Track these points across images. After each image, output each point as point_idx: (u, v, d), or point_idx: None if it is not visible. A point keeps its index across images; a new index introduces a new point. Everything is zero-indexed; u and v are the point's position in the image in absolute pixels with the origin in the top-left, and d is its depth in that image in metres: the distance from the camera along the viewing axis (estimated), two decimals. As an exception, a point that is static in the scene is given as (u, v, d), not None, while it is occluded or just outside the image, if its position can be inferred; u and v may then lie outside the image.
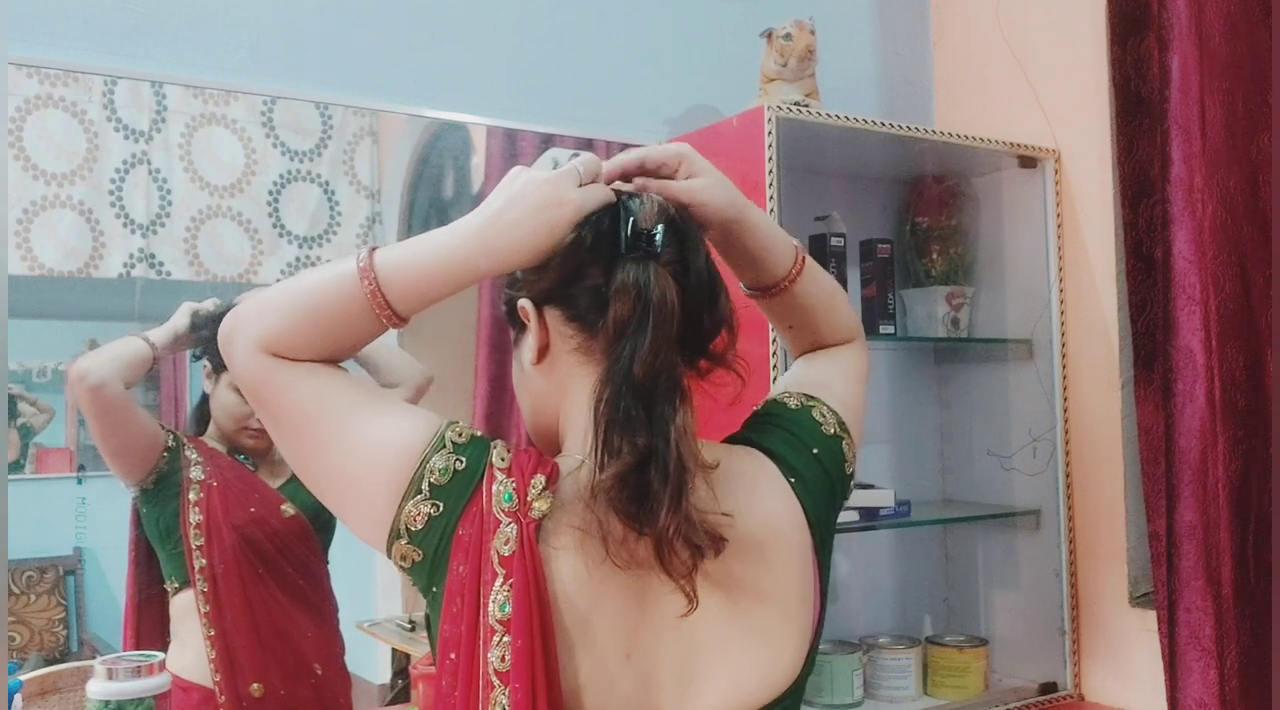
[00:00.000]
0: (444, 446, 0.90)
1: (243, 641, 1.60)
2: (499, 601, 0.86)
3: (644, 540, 0.87)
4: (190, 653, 1.58)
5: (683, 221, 0.95)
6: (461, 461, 0.90)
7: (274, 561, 1.65)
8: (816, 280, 1.07)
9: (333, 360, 0.93)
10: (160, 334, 1.59)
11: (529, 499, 0.89)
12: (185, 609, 1.59)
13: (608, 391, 0.88)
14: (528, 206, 0.90)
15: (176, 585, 1.60)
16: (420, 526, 0.89)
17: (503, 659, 0.86)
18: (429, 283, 0.91)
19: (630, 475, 0.86)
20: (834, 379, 1.09)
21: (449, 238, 0.91)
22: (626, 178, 0.97)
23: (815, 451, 1.00)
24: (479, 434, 0.93)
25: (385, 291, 0.90)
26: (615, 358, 0.88)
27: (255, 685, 1.59)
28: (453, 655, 0.88)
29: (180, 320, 1.61)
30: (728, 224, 0.99)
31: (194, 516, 1.59)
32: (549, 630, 0.87)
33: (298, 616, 1.67)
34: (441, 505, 0.89)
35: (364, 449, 0.91)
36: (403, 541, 0.89)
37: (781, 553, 0.96)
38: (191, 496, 1.60)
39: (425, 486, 0.89)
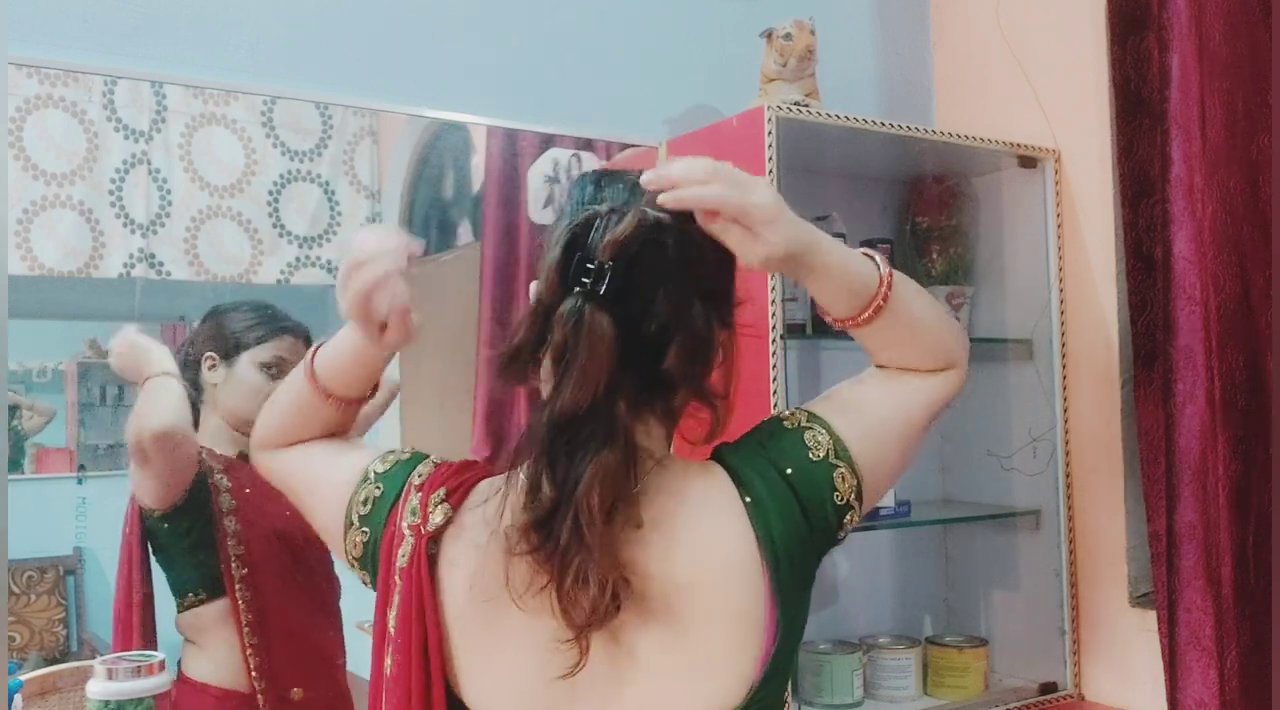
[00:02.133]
0: (367, 479, 0.99)
1: (284, 646, 1.59)
2: (394, 611, 0.93)
3: (547, 587, 0.86)
4: (221, 660, 1.57)
5: (658, 253, 0.90)
6: (379, 488, 0.98)
7: (308, 563, 1.64)
8: (897, 324, 0.99)
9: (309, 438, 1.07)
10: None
11: (428, 512, 0.94)
12: (214, 618, 1.57)
13: (536, 422, 0.88)
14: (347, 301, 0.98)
15: (203, 595, 1.58)
16: (360, 553, 0.98)
17: (392, 666, 0.92)
18: (350, 373, 1.02)
19: (537, 524, 0.86)
20: (878, 405, 1.01)
21: (341, 334, 1.02)
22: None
23: (789, 472, 0.95)
24: (408, 457, 1.00)
25: (327, 387, 1.02)
26: (551, 389, 0.88)
27: (295, 690, 1.58)
28: (373, 659, 0.96)
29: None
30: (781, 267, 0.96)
31: (231, 525, 1.58)
32: (434, 642, 0.90)
33: (320, 616, 1.67)
34: (368, 531, 0.97)
35: (325, 498, 1.02)
36: (356, 569, 1.00)
37: (716, 577, 0.92)
38: (224, 506, 1.58)
39: (355, 517, 0.98)
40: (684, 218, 0.94)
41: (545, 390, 0.93)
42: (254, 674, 1.56)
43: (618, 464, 0.87)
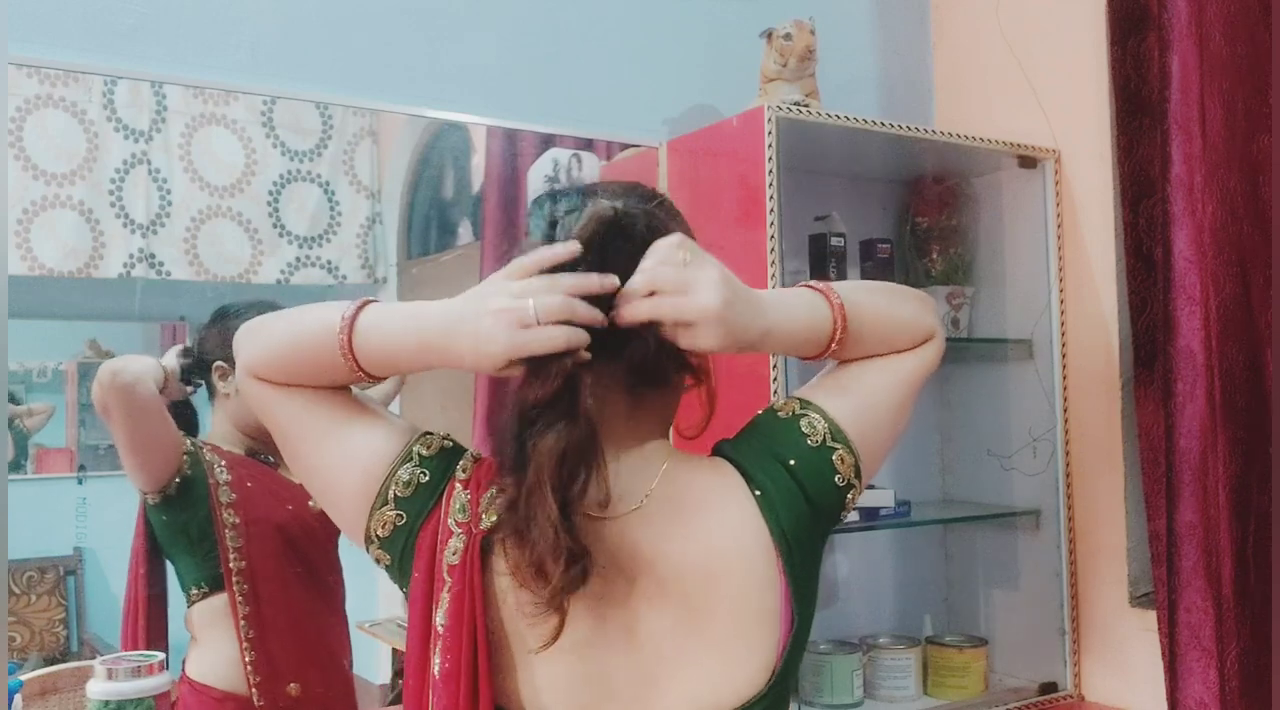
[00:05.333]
0: (410, 459, 0.96)
1: (282, 641, 1.59)
2: (443, 609, 0.91)
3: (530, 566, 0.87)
4: (220, 660, 1.57)
5: (621, 238, 0.92)
6: (425, 474, 0.95)
7: (309, 558, 1.65)
8: (858, 341, 1.01)
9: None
10: (169, 361, 1.60)
11: (480, 511, 0.92)
12: (213, 614, 1.57)
13: (509, 416, 0.89)
14: (471, 334, 0.88)
15: (204, 590, 1.58)
16: (387, 533, 0.95)
17: (441, 662, 0.90)
18: (391, 359, 0.93)
19: (510, 505, 0.87)
20: (863, 381, 1.04)
21: (419, 323, 0.91)
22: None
23: (792, 462, 0.98)
24: (450, 445, 0.98)
25: (356, 351, 0.92)
26: (522, 384, 0.89)
27: (292, 685, 1.58)
28: (412, 654, 0.94)
29: (169, 360, 1.61)
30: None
31: (230, 517, 1.58)
32: (482, 638, 0.89)
33: (326, 612, 1.68)
34: (405, 515, 0.95)
35: (341, 461, 0.97)
36: (374, 546, 0.96)
37: (732, 569, 0.95)
38: (223, 498, 1.59)
39: (391, 497, 0.95)
40: (646, 201, 0.97)
41: None
42: (249, 667, 1.56)
43: (578, 440, 0.87)
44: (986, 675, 2.09)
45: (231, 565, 1.57)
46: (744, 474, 0.98)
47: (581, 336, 0.87)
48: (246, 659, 1.56)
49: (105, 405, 1.51)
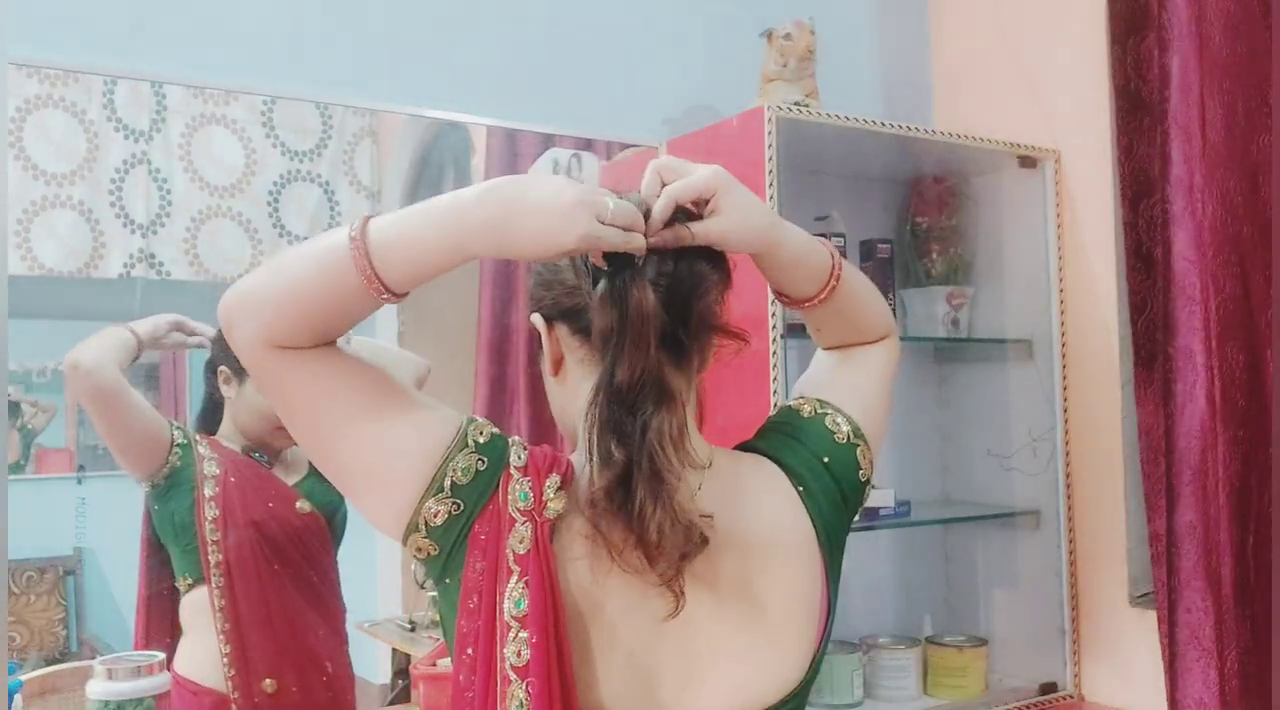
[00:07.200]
0: (467, 446, 0.92)
1: (257, 637, 1.59)
2: (514, 598, 0.88)
3: (639, 546, 0.88)
4: (202, 653, 1.57)
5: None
6: (484, 461, 0.92)
7: (290, 557, 1.65)
8: (847, 296, 1.05)
9: (334, 338, 0.91)
10: (143, 325, 1.58)
11: (544, 498, 0.91)
12: (198, 606, 1.58)
13: (597, 400, 0.89)
14: (538, 222, 0.86)
15: (190, 581, 1.59)
16: (439, 523, 0.91)
17: (519, 654, 0.87)
18: (419, 262, 0.87)
19: (618, 482, 0.87)
20: (857, 380, 1.08)
21: (450, 216, 0.87)
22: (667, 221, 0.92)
23: (825, 460, 1.01)
24: (497, 432, 0.95)
25: (379, 268, 0.86)
26: (604, 368, 0.90)
27: (268, 681, 1.58)
28: (469, 650, 0.90)
29: (162, 318, 1.61)
30: (751, 256, 0.99)
31: (210, 511, 1.59)
32: (562, 626, 0.89)
33: (309, 613, 1.67)
34: (461, 503, 0.91)
35: (387, 444, 0.92)
36: (420, 535, 0.91)
37: (785, 561, 0.96)
38: (207, 491, 1.59)
39: (447, 485, 0.90)
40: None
41: (580, 374, 0.97)
42: (225, 660, 1.56)
43: (677, 421, 0.89)
44: (986, 675, 2.09)
45: (210, 557, 1.58)
46: (785, 469, 1.00)
47: (641, 244, 0.89)
48: (222, 651, 1.56)
49: (78, 403, 1.53)
